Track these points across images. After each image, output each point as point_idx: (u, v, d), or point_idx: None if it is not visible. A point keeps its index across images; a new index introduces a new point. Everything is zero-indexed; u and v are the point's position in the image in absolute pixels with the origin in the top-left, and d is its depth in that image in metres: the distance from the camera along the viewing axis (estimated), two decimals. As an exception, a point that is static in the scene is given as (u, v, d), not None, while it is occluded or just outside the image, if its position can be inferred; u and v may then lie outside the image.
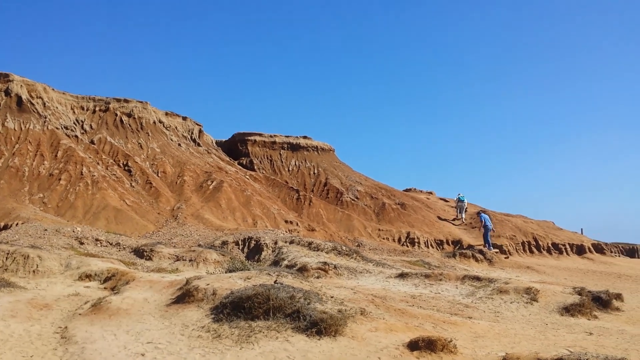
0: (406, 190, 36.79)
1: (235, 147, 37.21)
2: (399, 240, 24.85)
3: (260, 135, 37.17)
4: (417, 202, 31.43)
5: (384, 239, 25.01)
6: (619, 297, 11.48)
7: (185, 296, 7.93)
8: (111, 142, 29.20)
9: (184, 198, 24.51)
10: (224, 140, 39.13)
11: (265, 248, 16.31)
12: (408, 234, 25.15)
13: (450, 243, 24.86)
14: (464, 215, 29.22)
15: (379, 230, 26.01)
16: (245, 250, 16.88)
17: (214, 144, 37.97)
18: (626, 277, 18.98)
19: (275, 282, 8.18)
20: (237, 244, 17.24)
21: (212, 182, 26.62)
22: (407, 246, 23.95)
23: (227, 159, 34.86)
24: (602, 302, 10.69)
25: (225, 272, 11.09)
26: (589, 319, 9.56)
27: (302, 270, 12.21)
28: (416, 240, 24.46)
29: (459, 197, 29.84)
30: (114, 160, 27.23)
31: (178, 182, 26.83)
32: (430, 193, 37.25)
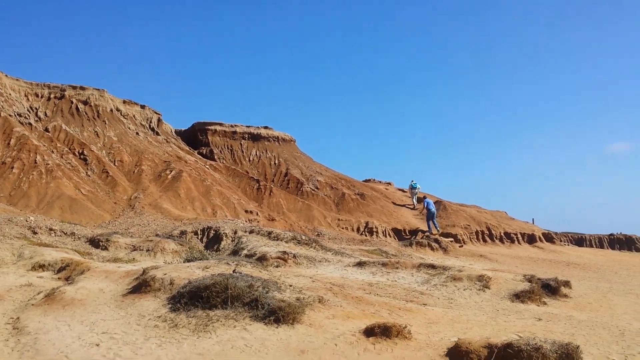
0: (365, 180, 37.17)
1: (195, 137, 36.73)
2: (358, 229, 25.15)
3: (220, 124, 36.80)
4: (376, 192, 31.81)
5: (343, 228, 25.25)
6: (567, 284, 11.97)
7: (141, 286, 7.88)
8: (66, 130, 28.38)
9: (141, 187, 24.10)
10: (183, 129, 38.55)
11: (224, 238, 16.26)
12: (367, 223, 25.47)
13: (407, 232, 25.31)
14: (416, 202, 30.41)
15: (339, 220, 26.24)
16: (204, 240, 16.79)
17: (173, 133, 37.37)
18: (574, 265, 19.78)
19: (234, 271, 8.22)
20: (196, 233, 17.11)
21: (171, 171, 26.26)
22: (366, 235, 24.27)
23: (187, 148, 34.40)
24: (551, 289, 11.13)
25: (184, 262, 11.05)
26: (538, 305, 9.95)
27: (262, 259, 12.25)
28: (374, 229, 24.80)
29: (412, 185, 30.87)
30: (69, 149, 26.49)
31: (136, 171, 26.34)
32: (389, 184, 37.74)
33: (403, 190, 35.05)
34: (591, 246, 39.90)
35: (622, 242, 42.79)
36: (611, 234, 44.48)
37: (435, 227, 24.89)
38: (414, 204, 30.80)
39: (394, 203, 31.11)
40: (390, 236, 24.74)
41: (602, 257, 25.97)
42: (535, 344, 5.36)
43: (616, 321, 8.92)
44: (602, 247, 40.73)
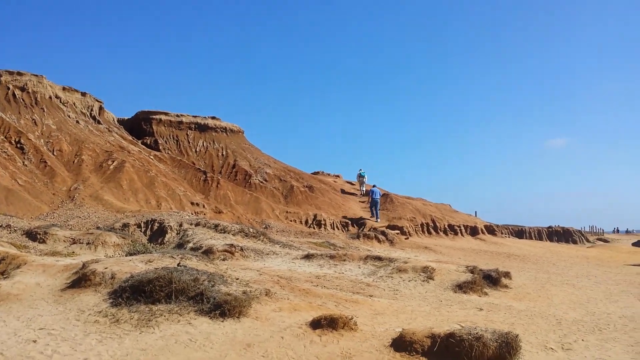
0: (314, 173, 37.25)
1: (138, 126, 35.68)
2: (306, 222, 25.18)
3: (166, 114, 35.91)
4: (325, 185, 31.95)
5: (291, 221, 25.23)
6: (507, 275, 12.39)
7: (81, 280, 7.58)
8: (2, 117, 26.97)
9: (82, 178, 23.25)
10: (126, 118, 37.35)
11: (169, 230, 15.91)
12: (315, 216, 25.54)
13: (355, 225, 25.55)
14: (364, 190, 31.26)
15: (287, 212, 26.19)
16: (148, 233, 16.38)
17: (116, 122, 36.17)
18: (514, 257, 20.50)
19: (178, 264, 8.04)
20: (139, 226, 16.66)
21: (113, 161, 25.44)
22: (314, 228, 24.34)
23: (130, 138, 33.40)
24: (492, 280, 11.49)
25: (126, 256, 10.74)
26: (479, 296, 10.25)
27: (208, 252, 12.06)
28: (323, 222, 24.90)
29: (360, 173, 31.56)
30: (5, 137, 25.20)
31: (76, 161, 25.37)
32: (337, 176, 37.98)
33: (351, 183, 35.38)
34: (531, 238, 41.44)
35: (559, 235, 44.68)
36: (549, 227, 46.35)
37: (376, 216, 26.34)
38: (361, 192, 31.67)
39: (343, 191, 31.86)
40: (338, 229, 24.90)
41: (540, 248, 27.04)
42: (477, 333, 5.49)
43: (553, 311, 9.30)
44: (541, 239, 42.37)
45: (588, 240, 45.41)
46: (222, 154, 33.84)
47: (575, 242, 42.70)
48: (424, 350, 5.56)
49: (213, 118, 36.67)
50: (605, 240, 46.53)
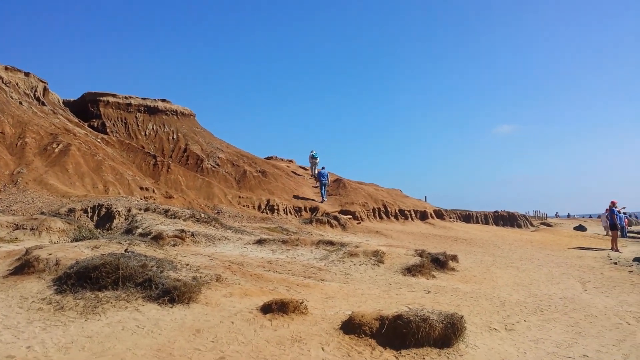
0: (267, 158, 37.03)
1: (85, 108, 34.43)
2: (259, 207, 25.06)
3: (114, 96, 34.79)
4: (278, 170, 31.83)
5: (244, 206, 25.05)
6: (454, 258, 12.74)
7: (24, 267, 7.33)
8: None
9: (25, 162, 22.32)
10: (72, 100, 35.94)
11: (117, 216, 15.52)
12: (268, 201, 25.44)
13: (308, 210, 25.61)
14: (316, 171, 31.37)
15: (240, 197, 25.97)
16: (95, 218, 15.92)
17: (61, 104, 34.80)
18: (462, 241, 21.06)
19: (126, 250, 7.88)
20: (85, 211, 16.18)
21: (58, 144, 24.52)
22: (267, 213, 24.26)
23: (76, 120, 32.24)
24: (440, 263, 11.80)
25: (71, 242, 10.44)
26: (427, 279, 10.50)
27: (157, 238, 11.85)
28: (276, 207, 24.84)
29: (312, 154, 31.71)
30: (-61, 118, 23.89)
31: (18, 144, 24.32)
32: (291, 161, 37.91)
33: (304, 168, 35.38)
34: (478, 222, 42.64)
35: (505, 219, 46.17)
36: (496, 211, 47.81)
37: (322, 197, 27.27)
38: (313, 174, 31.90)
39: (294, 173, 31.99)
40: (291, 214, 24.91)
41: (487, 232, 27.86)
42: (423, 314, 5.64)
43: (498, 292, 9.63)
44: (487, 223, 43.66)
45: (532, 225, 47.13)
46: (173, 138, 33.15)
47: (520, 227, 44.25)
48: (372, 332, 5.67)
49: (163, 101, 35.80)
50: (549, 225, 48.37)
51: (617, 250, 18.78)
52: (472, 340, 5.87)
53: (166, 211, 15.70)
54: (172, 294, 6.13)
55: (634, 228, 38.40)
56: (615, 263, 15.59)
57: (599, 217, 45.70)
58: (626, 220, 30.29)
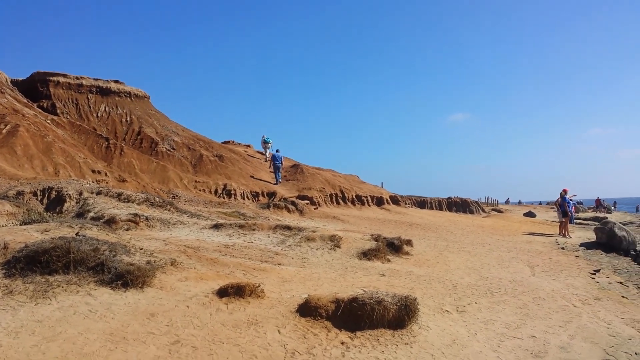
0: (224, 142, 36.61)
1: (34, 88, 33.09)
2: (216, 192, 24.80)
3: (64, 76, 33.56)
4: (235, 154, 31.53)
5: (200, 190, 24.73)
6: (409, 242, 12.98)
7: (-32, 252, 7.05)
8: None
9: (-32, 143, 21.35)
10: (21, 79, 34.46)
11: (68, 199, 15.05)
12: (225, 185, 25.21)
13: (265, 195, 25.53)
14: (268, 155, 31.80)
15: (196, 181, 25.62)
16: (45, 201, 15.40)
17: (9, 83, 33.30)
18: (416, 226, 21.46)
19: (77, 234, 7.67)
20: (35, 194, 15.62)
21: (6, 125, 23.53)
22: (224, 198, 24.04)
23: (25, 100, 30.97)
24: (395, 247, 12.01)
25: (20, 225, 10.10)
26: (383, 263, 10.68)
27: (110, 222, 11.57)
28: (233, 192, 24.64)
29: (264, 139, 31.95)
30: None
31: (-39, 124, 23.21)
32: (248, 146, 37.63)
33: (262, 153, 35.18)
34: (432, 208, 43.50)
35: (458, 205, 47.28)
36: (449, 198, 48.91)
37: (276, 179, 27.75)
38: (266, 157, 32.35)
39: (252, 157, 31.94)
40: (248, 198, 24.77)
41: (440, 218, 28.47)
42: (378, 297, 5.74)
43: (450, 276, 9.89)
44: (441, 209, 44.61)
45: (484, 211, 48.45)
46: (126, 120, 32.31)
47: (472, 212, 45.41)
48: (328, 314, 5.73)
49: (116, 82, 34.77)
50: (499, 211, 49.82)
51: (568, 236, 19.53)
52: (425, 322, 6.02)
53: (119, 195, 15.34)
54: (126, 278, 6.02)
55: (580, 215, 39.97)
56: (563, 248, 16.23)
57: (548, 204, 47.28)
58: (574, 207, 31.48)
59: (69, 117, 30.91)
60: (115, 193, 15.54)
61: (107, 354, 4.40)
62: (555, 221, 24.25)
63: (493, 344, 5.81)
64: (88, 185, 17.09)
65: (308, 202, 24.26)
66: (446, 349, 5.40)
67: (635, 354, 5.89)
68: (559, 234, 20.63)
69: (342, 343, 5.20)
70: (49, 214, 13.52)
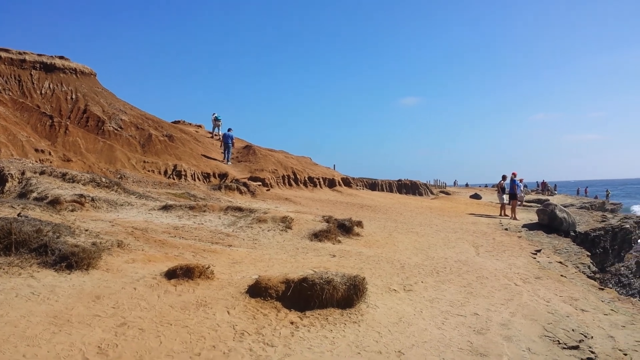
0: (175, 122, 35.84)
1: (-29, 62, 31.40)
2: (165, 172, 24.34)
3: (6, 51, 31.92)
4: (186, 134, 30.95)
5: (149, 171, 24.21)
6: (359, 224, 13.16)
7: None
8: None
9: None
10: (-44, 53, 32.63)
11: (9, 179, 14.47)
12: (175, 166, 24.76)
13: (217, 176, 25.24)
14: (219, 132, 31.95)
15: (145, 162, 25.05)
16: (-16, 181, 14.76)
17: (-57, 56, 31.49)
18: (367, 207, 21.74)
19: (19, 215, 7.41)
20: (-27, 174, 14.94)
21: (-61, 101, 22.30)
22: (174, 179, 23.63)
23: (-39, 75, 29.38)
24: (346, 228, 12.15)
25: (-44, 206, 9.65)
26: (333, 244, 10.80)
27: (54, 203, 11.21)
28: (183, 173, 24.25)
29: (215, 117, 31.90)
30: None
31: None
32: (199, 126, 36.96)
33: (212, 133, 34.70)
34: (382, 190, 44.11)
35: (408, 187, 48.15)
36: (399, 180, 49.73)
37: (227, 159, 27.67)
38: (216, 134, 32.47)
39: (202, 135, 31.76)
40: (199, 180, 24.44)
41: (390, 200, 28.92)
42: (328, 277, 5.83)
43: (398, 256, 10.11)
44: (391, 191, 45.29)
45: (432, 193, 49.58)
46: (72, 98, 31.14)
47: (421, 194, 46.35)
48: (278, 295, 5.78)
49: (61, 58, 33.36)
50: (447, 193, 51.02)
51: (515, 218, 20.20)
52: (373, 301, 6.16)
53: (64, 175, 14.86)
54: (70, 260, 5.88)
55: (524, 197, 41.41)
56: (506, 229, 16.83)
57: (493, 186, 48.75)
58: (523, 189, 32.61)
59: (10, 93, 29.52)
60: (60, 173, 15.04)
61: (50, 336, 4.31)
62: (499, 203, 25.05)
63: (438, 321, 6.01)
64: (31, 164, 16.47)
65: (260, 183, 24.16)
66: (392, 327, 5.55)
67: (572, 330, 6.21)
68: (500, 215, 21.46)
69: (292, 323, 5.27)
70: (-12, 194, 12.98)
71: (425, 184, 53.15)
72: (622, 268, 22.54)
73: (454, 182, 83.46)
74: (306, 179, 28.62)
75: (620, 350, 5.88)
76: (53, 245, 6.12)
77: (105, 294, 5.42)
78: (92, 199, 12.08)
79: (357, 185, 35.99)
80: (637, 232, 23.90)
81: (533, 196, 48.49)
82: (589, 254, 15.56)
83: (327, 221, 12.23)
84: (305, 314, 5.49)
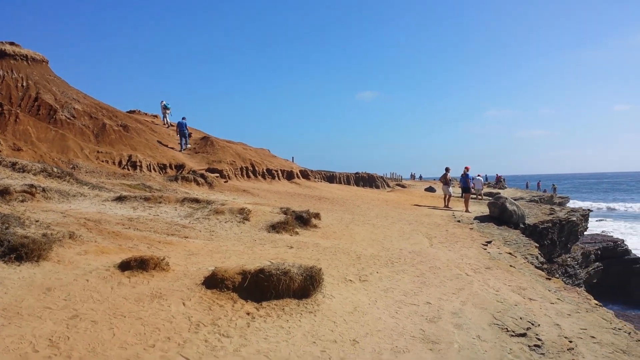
0: (130, 112, 35.02)
1: None
2: (120, 163, 23.81)
3: (-52, 33, 30.52)
4: (142, 124, 30.33)
5: (103, 161, 23.63)
6: (317, 216, 13.25)
7: None
8: None
9: None
10: None
11: (-47, 168, 13.89)
12: (130, 157, 24.25)
13: (173, 167, 24.87)
14: (169, 121, 32.38)
15: (98, 152, 24.43)
16: None
17: None
18: (325, 199, 21.87)
19: (-36, 206, 7.15)
20: None
21: None
22: (129, 170, 23.15)
23: None
24: (303, 220, 12.22)
25: None
26: (291, 235, 10.84)
27: (3, 193, 10.82)
28: (138, 163, 23.78)
29: (164, 104, 31.82)
30: None
31: None
32: (155, 117, 36.26)
33: (172, 125, 34.15)
34: (340, 183, 44.40)
35: (365, 180, 48.64)
36: (357, 173, 50.18)
37: (181, 147, 27.73)
38: (167, 123, 32.54)
39: (157, 125, 31.42)
40: (155, 171, 24.02)
41: (348, 192, 29.19)
42: (284, 268, 5.87)
43: (355, 247, 10.25)
44: (349, 183, 45.66)
45: (389, 186, 50.24)
46: (22, 85, 30.02)
47: (378, 187, 46.91)
48: (234, 286, 5.79)
49: (12, 44, 32.06)
50: (403, 186, 51.81)
51: (468, 211, 20.73)
52: (329, 291, 6.25)
53: (14, 164, 14.36)
54: (19, 252, 5.73)
55: (476, 191, 42.44)
56: (459, 221, 17.25)
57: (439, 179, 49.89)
58: (473, 184, 33.44)
59: (-47, 79, 28.22)
60: (9, 162, 14.53)
61: (-2, 330, 4.21)
62: (454, 196, 25.59)
63: (392, 310, 6.15)
64: (-24, 153, 15.83)
65: (218, 175, 23.95)
66: (348, 316, 5.65)
67: (520, 318, 6.46)
68: (445, 207, 22.15)
69: (248, 313, 5.29)
70: None
71: (382, 177, 53.82)
72: (569, 259, 23.49)
73: (411, 175, 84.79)
74: (264, 171, 28.53)
75: (565, 337, 6.16)
76: (1, 237, 5.94)
77: (56, 285, 5.31)
78: (43, 190, 11.73)
79: (315, 178, 36.10)
80: (583, 224, 24.91)
81: (486, 189, 49.71)
82: (537, 245, 16.13)
83: (285, 213, 12.26)
84: (261, 305, 5.52)
